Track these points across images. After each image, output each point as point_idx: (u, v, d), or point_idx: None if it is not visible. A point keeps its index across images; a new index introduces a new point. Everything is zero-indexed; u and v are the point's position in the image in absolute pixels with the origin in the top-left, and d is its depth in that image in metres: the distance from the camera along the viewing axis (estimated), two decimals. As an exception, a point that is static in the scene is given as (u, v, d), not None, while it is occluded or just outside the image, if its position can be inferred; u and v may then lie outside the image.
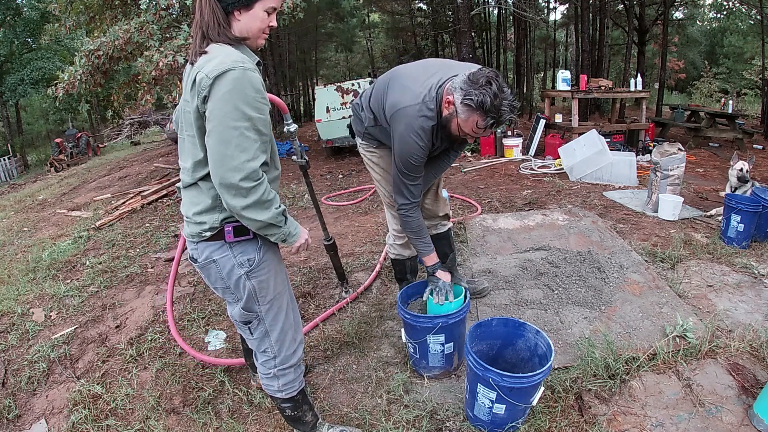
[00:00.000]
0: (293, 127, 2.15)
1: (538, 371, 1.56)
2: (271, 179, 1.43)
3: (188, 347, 2.29)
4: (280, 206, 1.36)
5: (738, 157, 3.54)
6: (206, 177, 1.34)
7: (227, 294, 1.49)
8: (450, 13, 15.90)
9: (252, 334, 1.54)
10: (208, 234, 1.39)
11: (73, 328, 2.85)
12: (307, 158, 2.37)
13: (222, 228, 1.38)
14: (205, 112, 1.26)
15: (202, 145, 1.31)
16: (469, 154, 6.90)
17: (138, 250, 4.10)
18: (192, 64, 1.33)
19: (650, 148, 6.23)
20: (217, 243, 1.40)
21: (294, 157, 2.33)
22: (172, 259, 3.76)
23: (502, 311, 2.41)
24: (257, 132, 1.27)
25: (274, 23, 1.37)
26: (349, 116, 7.65)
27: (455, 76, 1.64)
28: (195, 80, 1.26)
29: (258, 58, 1.37)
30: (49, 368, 2.48)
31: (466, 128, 1.64)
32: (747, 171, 3.43)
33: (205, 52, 1.28)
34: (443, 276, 1.98)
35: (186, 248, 1.55)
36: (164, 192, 6.11)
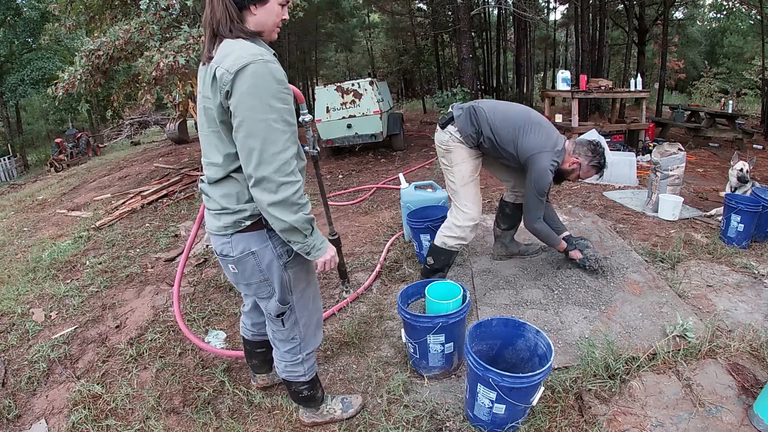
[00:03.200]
0: (308, 117, 2.15)
1: (538, 371, 1.56)
2: (299, 169, 1.40)
3: (196, 338, 2.29)
4: (309, 214, 1.32)
5: (738, 157, 3.54)
6: (240, 168, 1.32)
7: (262, 288, 1.47)
8: (450, 13, 15.90)
9: (284, 325, 1.54)
10: (248, 222, 1.37)
11: (73, 328, 2.86)
12: (318, 149, 2.39)
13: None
14: (229, 108, 1.24)
15: (230, 140, 1.30)
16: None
17: (138, 250, 4.10)
18: (204, 63, 1.32)
19: (650, 148, 6.22)
20: (255, 233, 1.38)
21: (306, 147, 2.34)
22: (172, 259, 3.77)
23: (502, 311, 2.41)
24: (285, 123, 1.25)
25: (287, 16, 1.37)
26: (350, 116, 7.59)
27: (569, 138, 2.53)
28: (215, 76, 1.24)
29: (273, 51, 1.35)
30: (49, 368, 2.48)
31: (583, 177, 2.50)
32: (747, 171, 3.43)
33: (220, 49, 1.27)
34: (575, 255, 2.63)
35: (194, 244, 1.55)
36: (164, 192, 6.10)
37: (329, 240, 2.62)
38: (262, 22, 1.32)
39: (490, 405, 1.62)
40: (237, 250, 1.39)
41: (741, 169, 3.43)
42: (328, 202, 4.94)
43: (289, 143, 1.26)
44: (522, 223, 2.65)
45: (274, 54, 1.34)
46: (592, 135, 5.24)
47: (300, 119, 2.18)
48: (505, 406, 1.60)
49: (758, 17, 11.64)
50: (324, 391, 1.82)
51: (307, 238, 1.34)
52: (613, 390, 1.83)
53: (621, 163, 4.89)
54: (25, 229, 5.74)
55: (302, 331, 1.57)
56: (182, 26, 5.13)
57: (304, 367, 1.63)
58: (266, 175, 1.22)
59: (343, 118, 7.15)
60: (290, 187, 1.25)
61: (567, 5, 17.88)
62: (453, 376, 2.05)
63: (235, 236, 1.39)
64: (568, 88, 7.09)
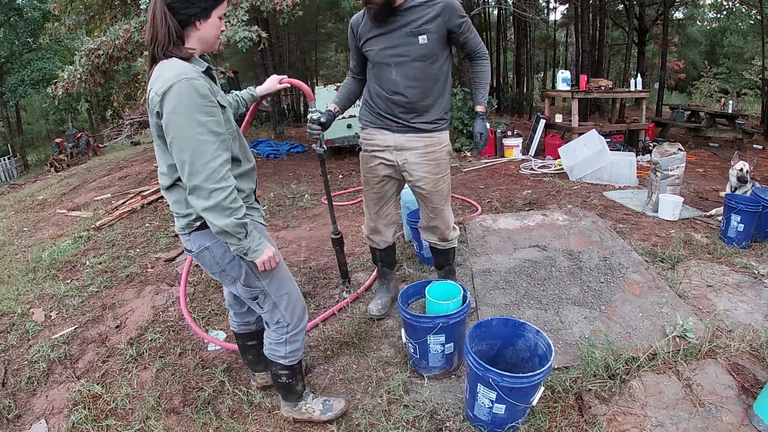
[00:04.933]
0: (316, 115, 2.15)
1: (538, 371, 1.56)
2: (242, 173, 1.54)
3: (203, 333, 2.29)
4: (242, 218, 1.40)
5: (739, 157, 3.54)
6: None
7: (224, 277, 1.59)
8: (450, 13, 15.83)
9: (262, 308, 1.66)
10: (198, 223, 1.49)
11: (73, 328, 2.85)
12: (325, 147, 2.42)
13: None
14: (162, 126, 1.34)
15: (170, 152, 1.40)
16: (468, 154, 6.89)
17: (138, 250, 4.10)
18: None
19: (650, 148, 6.22)
20: (206, 230, 1.50)
21: (314, 146, 2.38)
22: (172, 259, 3.77)
23: (502, 311, 2.41)
24: (212, 133, 1.34)
25: (224, 27, 1.51)
26: (350, 116, 7.61)
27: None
28: (149, 99, 1.36)
29: (207, 64, 1.46)
30: (49, 368, 2.48)
31: None
32: (747, 171, 3.43)
33: (154, 71, 1.38)
34: None
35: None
36: (164, 192, 6.09)
37: (332, 239, 2.64)
38: (205, 37, 1.44)
39: (490, 405, 1.62)
40: (195, 246, 1.54)
41: (741, 169, 3.43)
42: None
43: (219, 152, 1.35)
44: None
45: (208, 68, 1.45)
46: (592, 135, 5.24)
47: (309, 116, 2.17)
48: (505, 406, 1.60)
49: (758, 17, 11.65)
50: (307, 388, 1.86)
51: (241, 240, 1.43)
52: (613, 390, 1.83)
53: (621, 163, 4.89)
54: (25, 229, 5.74)
55: (285, 314, 1.67)
56: (182, 26, 5.12)
57: (285, 349, 1.70)
58: (197, 184, 1.33)
59: (343, 118, 7.15)
60: (221, 193, 1.34)
61: (567, 5, 17.89)
62: (453, 376, 2.05)
63: (192, 234, 1.53)
64: (568, 88, 7.09)
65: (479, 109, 2.21)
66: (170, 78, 1.30)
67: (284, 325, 1.67)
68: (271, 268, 1.55)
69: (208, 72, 1.45)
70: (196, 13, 1.37)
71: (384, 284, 2.62)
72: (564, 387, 1.86)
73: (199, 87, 1.32)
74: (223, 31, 1.49)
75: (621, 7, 14.08)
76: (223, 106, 1.45)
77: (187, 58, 1.39)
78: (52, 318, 3.05)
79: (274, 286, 1.62)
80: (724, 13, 17.96)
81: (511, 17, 13.46)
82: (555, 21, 20.26)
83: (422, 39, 1.97)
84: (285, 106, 15.39)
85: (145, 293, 3.20)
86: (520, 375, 1.54)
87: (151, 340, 2.57)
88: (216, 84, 1.50)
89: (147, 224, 4.90)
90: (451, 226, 2.37)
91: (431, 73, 2.04)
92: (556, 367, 1.97)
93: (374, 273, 2.99)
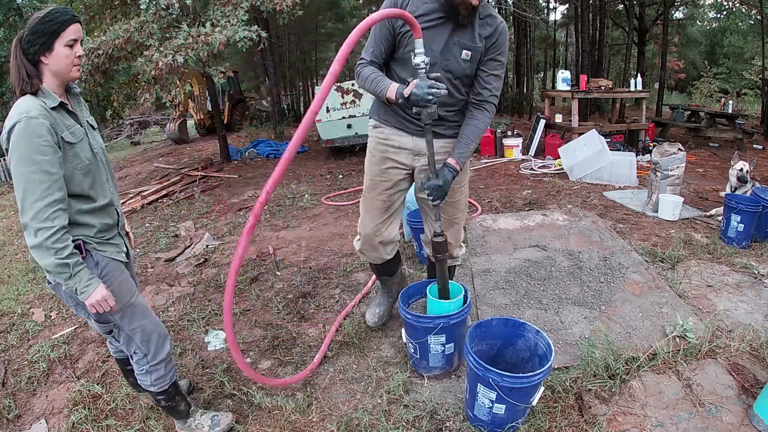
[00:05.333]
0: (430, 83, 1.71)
1: (538, 371, 1.56)
2: (95, 209, 1.54)
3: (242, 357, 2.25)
4: (65, 258, 1.40)
5: (739, 157, 3.54)
6: None
7: (80, 311, 1.61)
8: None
9: (118, 341, 1.71)
10: None
11: (73, 328, 2.85)
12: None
13: None
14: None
15: None
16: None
17: (138, 251, 4.10)
18: None
19: (650, 148, 6.22)
20: None
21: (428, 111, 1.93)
22: (172, 260, 3.77)
23: (502, 311, 2.41)
24: (45, 173, 1.36)
25: (80, 51, 1.46)
26: (350, 117, 7.60)
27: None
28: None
29: (58, 99, 1.44)
30: (49, 368, 2.48)
31: None
32: (747, 171, 3.43)
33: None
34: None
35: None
36: (164, 192, 6.10)
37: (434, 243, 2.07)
38: (56, 69, 1.43)
39: (490, 405, 1.62)
40: (52, 279, 1.54)
41: (741, 169, 3.43)
42: (329, 202, 4.95)
43: (49, 192, 1.36)
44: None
45: (61, 102, 1.44)
46: (592, 135, 5.24)
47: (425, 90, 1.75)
48: (505, 406, 1.60)
49: (758, 17, 11.65)
50: (192, 405, 1.90)
51: (68, 280, 1.43)
52: (613, 390, 1.83)
53: (621, 163, 4.89)
54: (25, 229, 5.73)
55: (142, 346, 1.68)
56: (182, 26, 5.12)
57: (151, 377, 1.72)
58: (25, 222, 1.36)
59: (343, 118, 7.16)
60: (45, 232, 1.36)
61: (567, 5, 17.88)
62: (453, 376, 2.05)
63: None
64: (568, 88, 7.10)
65: (451, 162, 1.83)
66: (13, 116, 1.35)
67: (141, 356, 1.69)
68: (106, 311, 1.51)
69: (63, 106, 1.46)
70: (38, 50, 1.39)
71: (385, 289, 2.43)
72: (564, 387, 1.86)
73: (37, 126, 1.34)
74: (80, 56, 1.46)
75: (621, 7, 14.08)
76: (70, 143, 1.44)
77: (35, 93, 1.40)
78: (52, 318, 3.05)
79: (125, 321, 1.63)
80: (724, 13, 17.97)
81: (511, 17, 13.45)
82: (555, 21, 20.26)
83: (465, 54, 1.78)
84: (285, 106, 15.38)
85: (145, 293, 3.20)
86: (520, 375, 1.54)
87: (151, 340, 2.57)
88: (72, 118, 1.50)
89: (147, 224, 4.90)
90: (461, 242, 2.21)
91: (462, 90, 1.87)
92: (556, 367, 1.97)
93: (373, 276, 2.96)
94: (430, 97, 1.60)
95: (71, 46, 1.44)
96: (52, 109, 1.42)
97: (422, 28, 1.63)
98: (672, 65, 18.36)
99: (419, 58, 1.61)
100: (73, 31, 1.43)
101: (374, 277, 2.90)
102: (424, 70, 1.62)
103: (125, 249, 1.70)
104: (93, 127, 1.63)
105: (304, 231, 4.11)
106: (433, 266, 2.14)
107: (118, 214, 1.66)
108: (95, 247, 1.54)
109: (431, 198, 1.80)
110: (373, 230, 2.08)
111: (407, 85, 1.66)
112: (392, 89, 1.71)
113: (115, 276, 1.59)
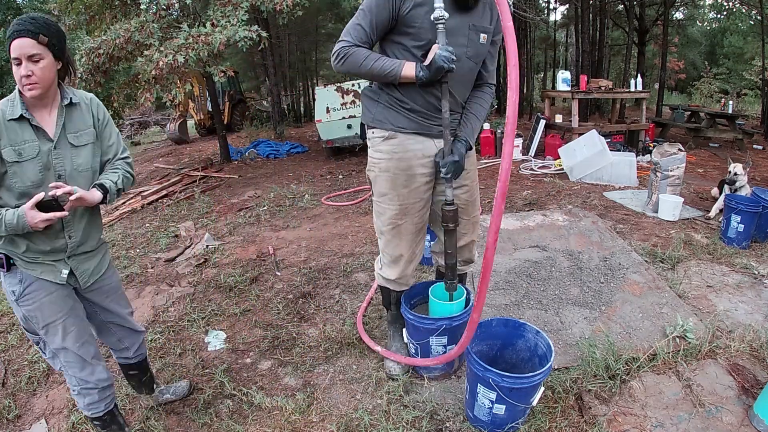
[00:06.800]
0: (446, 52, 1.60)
1: (538, 371, 1.56)
2: (27, 232, 1.41)
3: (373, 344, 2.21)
4: None
5: (731, 161, 3.57)
6: None
7: (17, 309, 1.58)
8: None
9: (45, 354, 1.67)
10: None
11: (73, 328, 2.85)
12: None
13: None
14: None
15: None
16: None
17: (138, 251, 4.10)
18: None
19: (650, 148, 6.23)
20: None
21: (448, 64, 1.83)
22: (172, 260, 3.77)
23: (502, 311, 2.41)
24: None
25: (24, 72, 1.34)
26: (350, 117, 7.59)
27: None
28: None
29: (19, 111, 1.38)
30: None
31: None
32: (737, 174, 3.44)
33: None
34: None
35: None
36: (164, 192, 6.10)
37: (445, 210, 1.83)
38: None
39: (490, 405, 1.62)
40: None
41: (729, 171, 3.47)
42: (329, 202, 4.96)
43: None
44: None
45: (22, 115, 1.37)
46: (592, 135, 5.24)
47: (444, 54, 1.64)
48: (505, 406, 1.60)
49: (758, 17, 11.64)
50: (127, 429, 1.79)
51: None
52: (613, 390, 1.83)
53: (621, 164, 4.89)
54: (25, 229, 5.73)
55: (66, 367, 1.61)
56: (182, 26, 5.13)
57: (83, 401, 1.65)
58: None
59: (343, 118, 7.15)
60: None
61: (567, 6, 17.88)
62: (453, 376, 2.05)
63: None
64: (569, 89, 7.10)
65: (463, 136, 1.78)
66: None
67: (70, 375, 1.62)
68: (53, 219, 1.39)
69: (21, 118, 1.38)
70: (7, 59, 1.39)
71: (398, 331, 2.17)
72: (564, 387, 1.86)
73: None
74: (29, 75, 1.34)
75: (621, 7, 14.07)
76: (8, 161, 1.36)
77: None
78: (52, 318, 3.04)
79: (50, 338, 1.56)
80: (724, 13, 17.97)
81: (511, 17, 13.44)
82: (555, 21, 20.26)
83: (483, 38, 1.71)
84: (285, 107, 15.38)
85: (145, 293, 3.20)
86: (520, 375, 1.54)
87: (151, 341, 2.57)
88: (38, 134, 1.41)
89: (147, 224, 4.90)
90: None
91: (475, 75, 1.81)
92: (556, 367, 1.97)
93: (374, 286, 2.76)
94: (453, 57, 1.55)
95: (18, 65, 1.34)
96: (12, 120, 1.36)
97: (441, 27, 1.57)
98: (672, 65, 18.35)
99: (438, 12, 1.53)
100: (15, 47, 1.31)
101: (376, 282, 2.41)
102: (443, 24, 1.55)
103: (71, 274, 1.55)
104: (75, 146, 1.48)
105: (304, 231, 4.11)
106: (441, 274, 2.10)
107: (68, 243, 1.51)
108: (21, 264, 1.48)
109: (449, 175, 1.71)
110: (410, 255, 1.92)
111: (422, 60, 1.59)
112: (409, 66, 1.60)
113: (37, 296, 1.50)
